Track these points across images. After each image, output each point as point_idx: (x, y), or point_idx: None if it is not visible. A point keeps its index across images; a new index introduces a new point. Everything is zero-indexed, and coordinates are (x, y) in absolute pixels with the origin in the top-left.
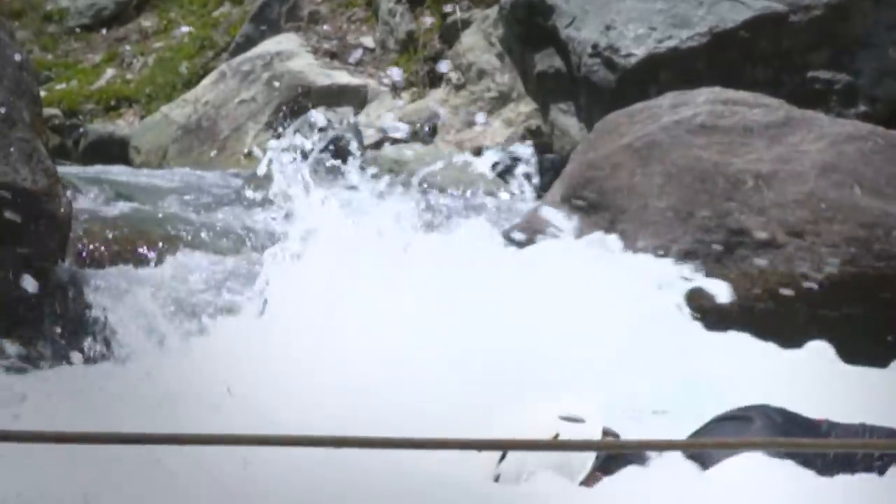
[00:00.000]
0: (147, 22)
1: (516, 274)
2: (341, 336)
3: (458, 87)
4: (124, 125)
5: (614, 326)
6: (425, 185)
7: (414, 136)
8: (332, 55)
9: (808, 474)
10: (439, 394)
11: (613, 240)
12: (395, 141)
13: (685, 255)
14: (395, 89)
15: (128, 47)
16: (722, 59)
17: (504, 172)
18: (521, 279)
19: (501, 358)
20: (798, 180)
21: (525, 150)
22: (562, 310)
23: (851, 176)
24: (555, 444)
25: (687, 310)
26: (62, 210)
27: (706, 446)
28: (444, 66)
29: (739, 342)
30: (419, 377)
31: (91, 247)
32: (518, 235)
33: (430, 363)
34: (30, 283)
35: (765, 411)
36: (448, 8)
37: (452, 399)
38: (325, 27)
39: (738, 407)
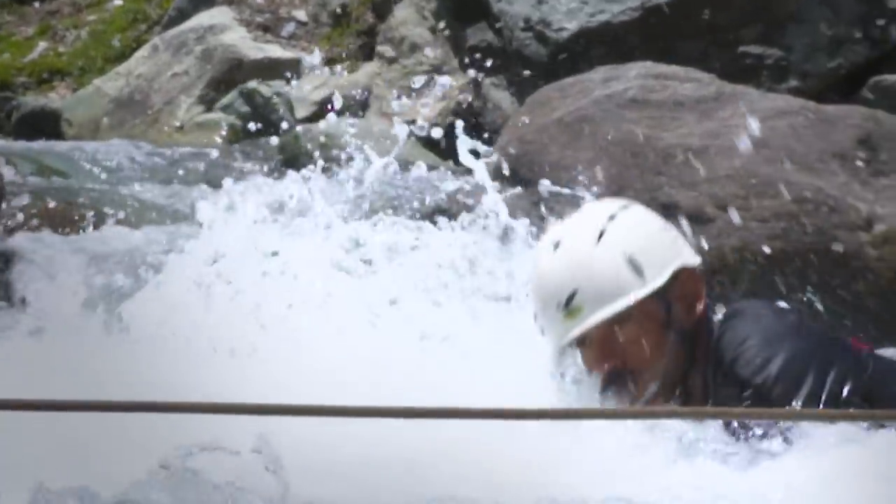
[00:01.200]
0: None
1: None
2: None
3: (391, 61)
4: (57, 98)
5: None
6: (355, 159)
7: (347, 110)
8: (265, 29)
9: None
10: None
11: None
12: (327, 114)
13: None
14: (328, 62)
15: (60, 20)
16: (654, 33)
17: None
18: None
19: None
20: (728, 155)
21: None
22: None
23: (782, 151)
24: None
25: None
26: None
27: (745, 415)
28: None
29: None
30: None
31: (20, 218)
32: (445, 209)
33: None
34: None
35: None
36: None
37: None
38: (258, 1)
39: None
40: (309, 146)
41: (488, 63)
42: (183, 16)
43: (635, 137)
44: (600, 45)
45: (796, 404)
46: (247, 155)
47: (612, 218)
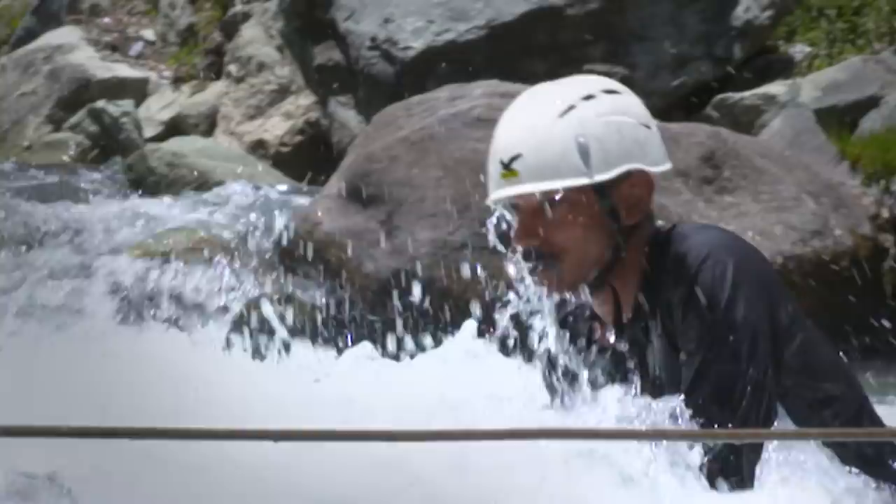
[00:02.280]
0: None
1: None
2: None
3: (239, 80)
4: None
5: None
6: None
7: (195, 129)
8: (113, 48)
9: None
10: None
11: None
12: (175, 133)
13: (462, 248)
14: (176, 82)
15: None
16: (500, 51)
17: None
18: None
19: None
20: None
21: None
22: None
23: None
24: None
25: None
26: None
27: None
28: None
29: None
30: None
31: None
32: (295, 228)
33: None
34: None
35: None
36: (228, 1)
37: None
38: (105, 20)
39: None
40: (156, 166)
41: (335, 82)
42: (31, 35)
43: (481, 156)
44: (446, 64)
45: (739, 316)
46: (94, 174)
47: (588, 98)
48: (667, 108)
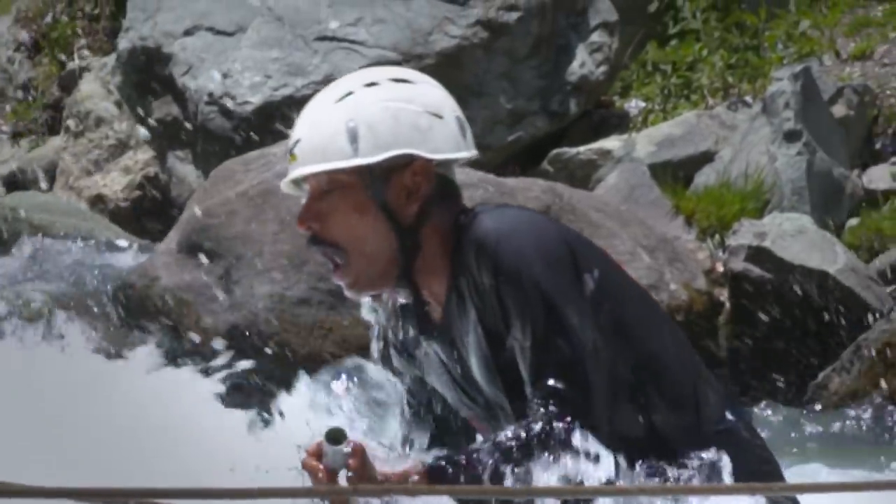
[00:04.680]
0: None
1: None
2: None
3: (77, 135)
4: None
5: None
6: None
7: (34, 184)
8: None
9: None
10: None
11: None
12: (14, 188)
13: (300, 303)
14: (14, 136)
15: None
16: None
17: (126, 220)
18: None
19: None
20: None
21: None
22: None
23: None
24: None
25: None
26: None
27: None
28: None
29: None
30: None
31: None
32: (134, 282)
33: None
34: None
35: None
36: (66, 56)
37: None
38: None
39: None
40: None
41: (174, 137)
42: None
43: None
44: (284, 119)
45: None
46: None
47: (371, 84)
48: (503, 162)
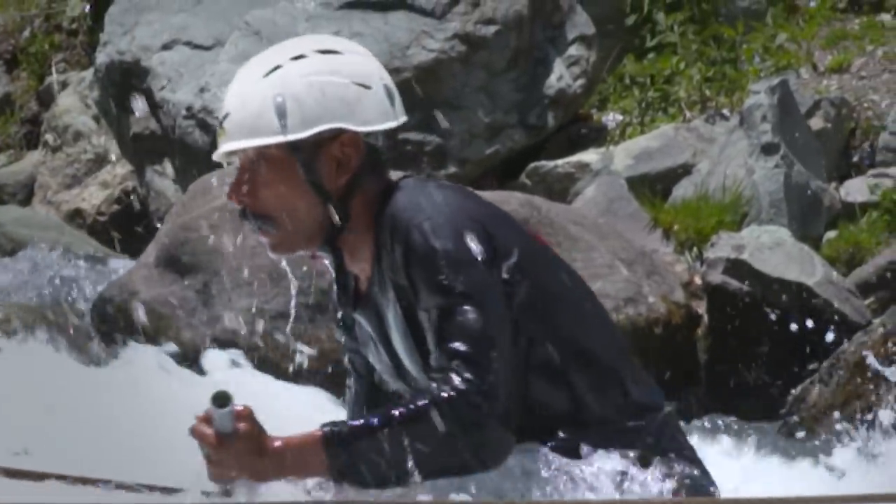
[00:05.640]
0: None
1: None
2: None
3: (55, 150)
4: None
5: None
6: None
7: (12, 198)
8: None
9: None
10: None
11: None
12: None
13: (278, 316)
14: None
15: None
16: None
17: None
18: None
19: None
20: None
21: None
22: None
23: None
24: None
25: None
26: None
27: None
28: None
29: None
30: None
31: None
32: (112, 296)
33: None
34: None
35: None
36: (44, 70)
37: None
38: None
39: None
40: None
41: (152, 151)
42: None
43: None
44: None
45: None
46: None
47: (298, 58)
48: (481, 175)
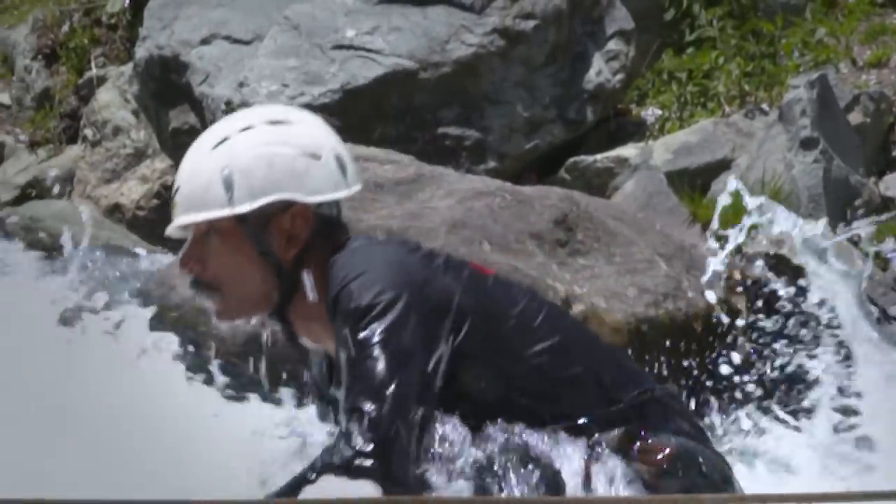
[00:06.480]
0: None
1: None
2: None
3: (95, 144)
4: None
5: None
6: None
7: (51, 193)
8: None
9: None
10: None
11: None
12: (32, 197)
13: None
14: (32, 146)
15: None
16: (354, 115)
17: (144, 228)
18: None
19: None
20: (428, 236)
21: None
22: None
23: (480, 232)
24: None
25: None
26: None
27: None
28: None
29: None
30: None
31: None
32: (151, 291)
33: None
34: None
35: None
36: (83, 65)
37: None
38: None
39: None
40: (11, 230)
41: (190, 145)
42: None
43: None
44: None
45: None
46: None
47: (245, 129)
48: (520, 170)
